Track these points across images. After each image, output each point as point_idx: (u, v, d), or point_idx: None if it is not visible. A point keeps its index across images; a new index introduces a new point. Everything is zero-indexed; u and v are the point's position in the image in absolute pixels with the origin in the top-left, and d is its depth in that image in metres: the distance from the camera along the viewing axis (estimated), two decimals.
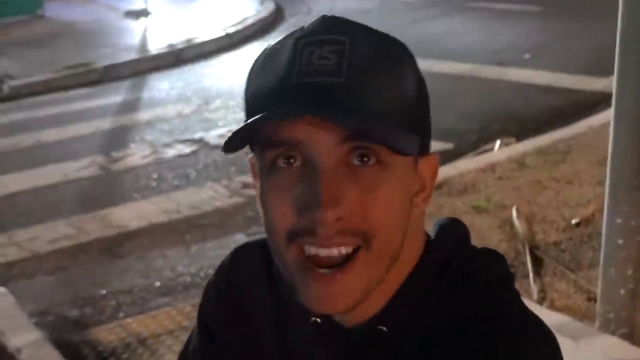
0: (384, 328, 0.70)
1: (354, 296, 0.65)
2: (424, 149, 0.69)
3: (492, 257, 0.75)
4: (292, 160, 0.64)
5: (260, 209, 0.68)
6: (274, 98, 0.63)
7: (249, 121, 0.63)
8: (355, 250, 0.64)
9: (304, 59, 0.63)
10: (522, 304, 0.72)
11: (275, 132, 0.63)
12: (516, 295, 0.73)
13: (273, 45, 0.68)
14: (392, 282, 0.70)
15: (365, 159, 0.63)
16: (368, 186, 0.64)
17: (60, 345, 2.82)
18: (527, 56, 7.09)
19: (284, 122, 0.62)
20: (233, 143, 0.64)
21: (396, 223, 0.66)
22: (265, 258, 0.79)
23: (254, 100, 0.66)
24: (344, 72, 0.63)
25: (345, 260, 0.64)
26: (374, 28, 0.67)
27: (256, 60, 0.69)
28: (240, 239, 3.64)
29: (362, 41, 0.65)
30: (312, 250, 0.64)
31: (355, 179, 0.63)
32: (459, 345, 0.67)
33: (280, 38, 0.68)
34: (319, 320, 0.72)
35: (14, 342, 2.82)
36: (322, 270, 0.64)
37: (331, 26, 0.65)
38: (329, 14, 0.68)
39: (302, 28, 0.66)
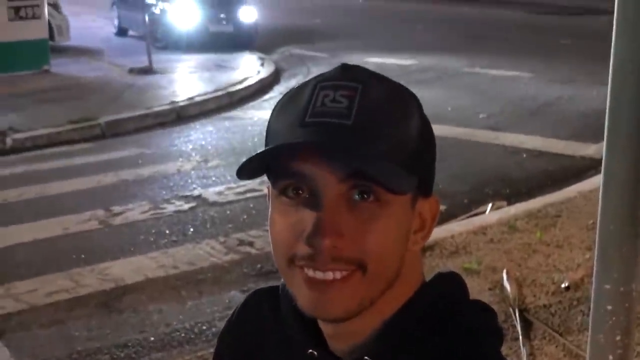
0: (368, 359, 0.75)
1: (348, 305, 0.71)
2: (425, 192, 0.76)
3: (480, 308, 0.80)
4: (300, 192, 0.71)
5: (269, 233, 0.75)
6: (288, 134, 0.71)
7: (259, 152, 0.71)
8: (351, 273, 0.71)
9: (319, 101, 0.71)
10: (500, 356, 0.77)
11: (287, 165, 0.71)
12: (496, 348, 0.77)
13: (297, 87, 0.76)
14: (382, 313, 0.76)
15: (365, 195, 0.70)
16: (365, 219, 0.70)
17: None
18: (482, 116, 7.28)
19: (294, 157, 0.70)
20: (245, 171, 0.72)
21: (391, 253, 0.72)
22: (273, 301, 0.86)
23: (273, 134, 0.75)
24: (352, 115, 0.70)
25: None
26: (388, 77, 0.77)
27: (281, 99, 0.77)
28: (235, 295, 3.70)
29: (374, 88, 0.73)
30: (310, 272, 0.71)
31: (354, 212, 0.70)
32: None
33: (305, 81, 0.77)
34: (315, 352, 0.79)
35: None
36: (318, 276, 0.70)
37: (347, 73, 0.74)
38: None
39: (323, 74, 0.75)
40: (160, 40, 12.16)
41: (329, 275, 0.70)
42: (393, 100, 0.74)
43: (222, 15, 12.37)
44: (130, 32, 13.54)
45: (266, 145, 0.75)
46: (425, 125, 0.76)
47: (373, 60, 10.70)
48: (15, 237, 4.58)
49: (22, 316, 3.58)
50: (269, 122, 0.77)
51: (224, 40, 12.11)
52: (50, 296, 3.76)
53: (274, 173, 0.73)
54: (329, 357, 0.78)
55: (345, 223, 0.70)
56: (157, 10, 12.44)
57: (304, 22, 14.24)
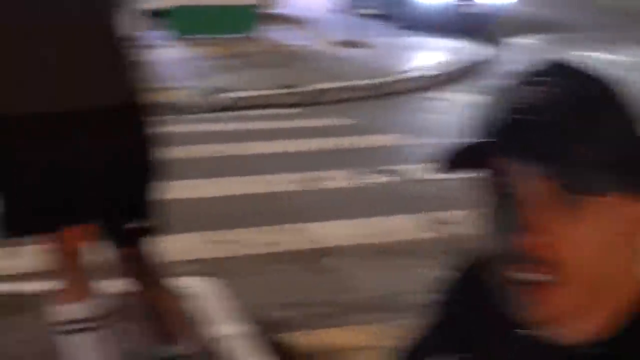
0: (609, 351, 0.73)
1: (560, 310, 0.70)
2: None
3: None
4: (508, 189, 0.71)
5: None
6: (491, 133, 0.72)
7: (463, 146, 0.72)
8: (553, 279, 0.70)
9: (521, 98, 0.71)
10: None
11: (494, 163, 0.71)
12: None
13: (508, 82, 0.76)
14: (614, 307, 0.74)
15: (570, 195, 0.68)
16: (567, 220, 0.69)
17: (261, 341, 3.01)
18: None
19: (495, 154, 0.71)
20: (450, 168, 0.73)
21: (594, 257, 0.70)
22: (482, 277, 0.84)
23: (481, 131, 0.75)
24: (553, 113, 0.69)
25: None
26: (594, 75, 0.73)
27: (493, 95, 0.77)
28: (431, 273, 3.66)
29: (577, 87, 0.71)
30: (517, 274, 0.71)
31: (555, 212, 0.69)
32: None
33: (511, 75, 0.76)
34: (539, 334, 0.76)
35: (219, 330, 3.04)
36: (526, 277, 0.70)
37: (552, 70, 0.73)
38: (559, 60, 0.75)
39: (528, 68, 0.75)
40: (402, 20, 11.90)
41: (530, 277, 0.70)
42: (596, 98, 0.71)
43: None
44: (360, 11, 12.69)
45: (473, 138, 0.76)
46: (631, 123, 0.72)
47: (592, 55, 9.99)
48: (237, 188, 4.86)
49: (238, 262, 3.79)
50: (483, 117, 0.76)
51: (471, 23, 11.52)
52: (265, 246, 3.97)
53: (487, 170, 0.73)
54: (551, 342, 0.75)
55: (544, 222, 0.69)
56: None
57: (518, 7, 13.56)
